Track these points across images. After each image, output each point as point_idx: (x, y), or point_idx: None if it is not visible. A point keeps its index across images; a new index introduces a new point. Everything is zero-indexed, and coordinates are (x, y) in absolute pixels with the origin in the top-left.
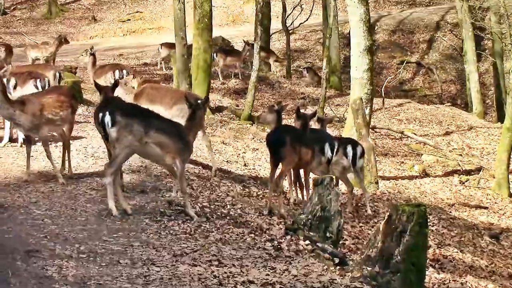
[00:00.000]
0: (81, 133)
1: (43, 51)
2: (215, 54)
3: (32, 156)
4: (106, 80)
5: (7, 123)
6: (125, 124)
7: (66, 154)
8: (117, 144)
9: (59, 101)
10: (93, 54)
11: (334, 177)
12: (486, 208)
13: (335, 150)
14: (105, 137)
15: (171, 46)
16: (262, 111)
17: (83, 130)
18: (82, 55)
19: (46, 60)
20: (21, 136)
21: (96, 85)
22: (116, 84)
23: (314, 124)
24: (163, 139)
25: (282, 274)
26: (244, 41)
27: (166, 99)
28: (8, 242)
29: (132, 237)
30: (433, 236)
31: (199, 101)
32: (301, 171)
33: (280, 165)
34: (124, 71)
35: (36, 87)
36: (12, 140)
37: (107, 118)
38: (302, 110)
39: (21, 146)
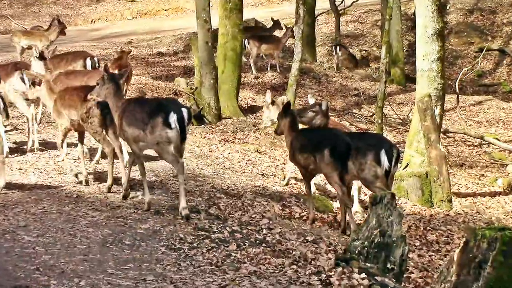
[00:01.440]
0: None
1: (42, 39)
2: (246, 41)
3: (21, 169)
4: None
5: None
6: None
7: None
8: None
9: None
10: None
11: (395, 194)
12: None
13: (395, 158)
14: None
15: None
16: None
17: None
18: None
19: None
20: (6, 145)
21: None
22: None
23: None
24: None
25: None
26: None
27: None
28: None
29: (145, 270)
30: None
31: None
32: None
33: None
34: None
35: (23, 80)
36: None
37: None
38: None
39: (6, 156)
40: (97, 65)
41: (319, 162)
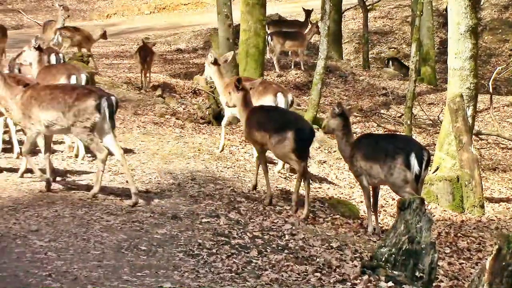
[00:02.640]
0: None
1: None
2: (269, 38)
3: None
4: None
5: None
6: None
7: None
8: None
9: None
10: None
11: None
12: None
13: (425, 162)
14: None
15: None
16: (326, 116)
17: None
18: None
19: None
20: (17, 146)
21: None
22: None
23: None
24: None
25: None
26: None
27: None
28: (1, 282)
29: (162, 276)
30: None
31: None
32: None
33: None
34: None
35: None
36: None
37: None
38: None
39: (17, 157)
40: (61, 61)
41: (275, 144)
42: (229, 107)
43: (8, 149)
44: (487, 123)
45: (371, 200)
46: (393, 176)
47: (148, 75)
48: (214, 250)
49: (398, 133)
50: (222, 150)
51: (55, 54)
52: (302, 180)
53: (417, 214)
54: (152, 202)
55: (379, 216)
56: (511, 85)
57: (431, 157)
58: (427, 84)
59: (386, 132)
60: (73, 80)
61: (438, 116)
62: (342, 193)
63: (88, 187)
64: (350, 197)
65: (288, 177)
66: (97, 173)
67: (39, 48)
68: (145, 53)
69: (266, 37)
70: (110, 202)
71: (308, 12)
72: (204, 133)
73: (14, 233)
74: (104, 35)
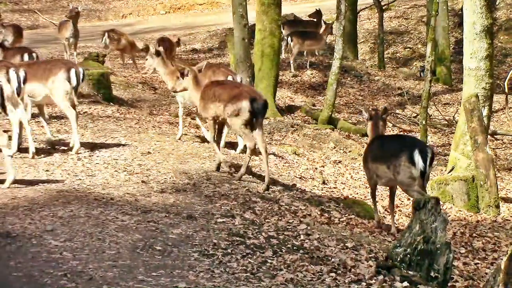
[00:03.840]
0: (110, 141)
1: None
2: (289, 38)
3: (48, 171)
4: None
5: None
6: None
7: None
8: None
9: None
10: None
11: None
12: None
13: (430, 158)
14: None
15: None
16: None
17: (113, 137)
18: None
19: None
20: (32, 145)
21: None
22: None
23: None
24: None
25: None
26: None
27: None
28: (16, 282)
29: (177, 276)
30: None
31: None
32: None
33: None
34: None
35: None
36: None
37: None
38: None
39: (32, 157)
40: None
41: (231, 114)
42: (175, 92)
43: (23, 149)
44: (502, 123)
45: (388, 200)
46: (400, 175)
47: None
48: (229, 250)
49: (412, 133)
50: (180, 138)
51: (28, 53)
52: (265, 153)
53: (432, 214)
54: (167, 202)
55: (394, 215)
56: None
57: (435, 154)
58: (442, 84)
59: (397, 133)
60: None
61: (453, 116)
62: (357, 193)
63: (103, 187)
64: (365, 197)
65: (303, 177)
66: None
67: (1, 46)
68: (165, 44)
69: (285, 37)
70: (125, 202)
71: (319, 13)
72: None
73: (30, 233)
74: (145, 50)
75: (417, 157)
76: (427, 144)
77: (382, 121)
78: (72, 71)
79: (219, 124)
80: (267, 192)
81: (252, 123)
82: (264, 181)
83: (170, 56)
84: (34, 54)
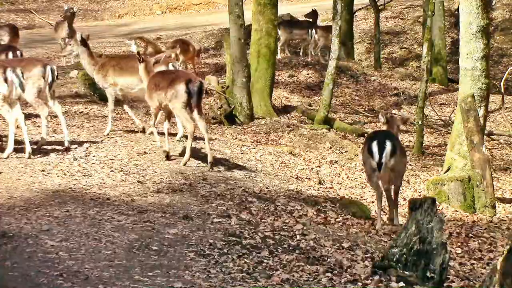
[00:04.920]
0: (107, 140)
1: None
2: (314, 31)
3: (44, 171)
4: None
5: (12, 130)
6: None
7: None
8: None
9: None
10: None
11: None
12: None
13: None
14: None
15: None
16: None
17: (109, 137)
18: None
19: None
20: (28, 149)
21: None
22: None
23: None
24: None
25: None
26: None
27: None
28: (12, 282)
29: (173, 276)
30: None
31: None
32: None
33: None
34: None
35: None
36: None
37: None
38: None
39: (28, 157)
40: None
41: (171, 98)
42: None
43: (19, 149)
44: (498, 123)
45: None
46: (365, 165)
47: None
48: (225, 250)
49: (409, 133)
50: (107, 135)
51: (12, 51)
52: (206, 134)
53: (429, 214)
54: (163, 202)
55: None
56: None
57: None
58: (438, 84)
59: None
60: None
61: (449, 117)
62: (353, 193)
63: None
64: (361, 197)
65: (299, 177)
66: None
67: None
68: (184, 46)
69: (310, 31)
70: (122, 202)
71: (315, 13)
72: (215, 133)
73: (26, 233)
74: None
75: (375, 148)
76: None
77: (397, 126)
78: (48, 68)
79: (168, 113)
80: (263, 192)
81: (191, 104)
82: (208, 162)
83: (186, 58)
84: (18, 52)
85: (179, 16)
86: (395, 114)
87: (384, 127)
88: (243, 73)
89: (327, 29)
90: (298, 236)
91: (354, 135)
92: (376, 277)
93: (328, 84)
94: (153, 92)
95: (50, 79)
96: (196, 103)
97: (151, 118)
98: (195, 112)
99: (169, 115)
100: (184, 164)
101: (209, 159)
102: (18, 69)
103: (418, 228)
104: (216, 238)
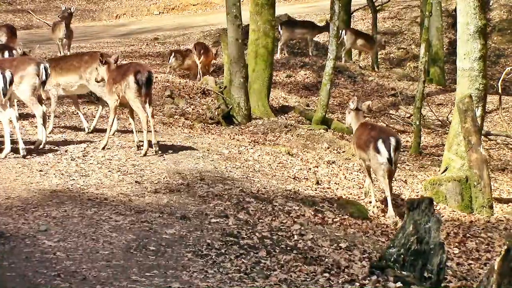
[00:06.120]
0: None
1: None
2: (343, 31)
3: (42, 171)
4: None
5: (7, 130)
6: None
7: None
8: None
9: None
10: None
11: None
12: None
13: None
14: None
15: None
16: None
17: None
18: None
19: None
20: (22, 146)
21: None
22: None
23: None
24: None
25: None
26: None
27: None
28: (10, 282)
29: (170, 277)
30: None
31: None
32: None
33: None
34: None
35: None
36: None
37: None
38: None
39: (23, 157)
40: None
41: (125, 89)
42: (97, 81)
43: (16, 149)
44: (496, 123)
45: None
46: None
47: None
48: (223, 250)
49: (406, 133)
50: (50, 133)
51: (8, 50)
52: (152, 121)
53: (426, 215)
54: (161, 202)
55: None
56: None
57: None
58: (436, 85)
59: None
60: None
61: (447, 117)
62: (351, 194)
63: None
64: (359, 197)
65: (296, 177)
66: None
67: None
68: (199, 47)
69: (340, 31)
70: (119, 202)
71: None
72: (213, 134)
73: (23, 233)
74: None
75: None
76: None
77: (363, 112)
78: (41, 67)
79: (131, 110)
80: (260, 192)
81: (141, 94)
82: (143, 148)
83: (206, 62)
84: (14, 52)
85: (177, 17)
86: (360, 100)
87: (353, 113)
88: (241, 73)
89: (358, 34)
90: (295, 236)
91: (352, 135)
92: (374, 277)
93: (325, 84)
94: (112, 86)
95: (44, 77)
96: (145, 92)
97: (110, 114)
98: (146, 104)
99: (131, 111)
100: (143, 155)
101: (153, 140)
102: (7, 71)
103: (415, 228)
104: (214, 238)
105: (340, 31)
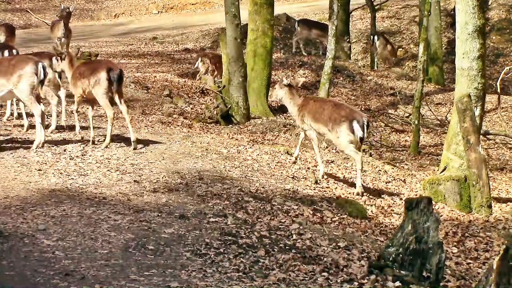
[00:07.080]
0: (103, 140)
1: None
2: (376, 37)
3: (40, 170)
4: None
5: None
6: None
7: None
8: None
9: None
10: None
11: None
12: None
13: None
14: None
15: None
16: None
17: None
18: None
19: None
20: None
21: None
22: None
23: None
24: None
25: None
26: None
27: None
28: (8, 281)
29: (169, 276)
30: None
31: None
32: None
33: None
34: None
35: None
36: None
37: None
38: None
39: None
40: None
41: (94, 85)
42: (55, 71)
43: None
44: (494, 123)
45: None
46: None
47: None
48: (221, 250)
49: (405, 133)
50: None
51: (8, 50)
52: (127, 115)
53: (425, 214)
54: (159, 202)
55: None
56: None
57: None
58: (434, 84)
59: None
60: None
61: (445, 116)
62: (349, 193)
63: (96, 186)
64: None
65: (295, 176)
66: None
67: None
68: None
69: (371, 36)
70: (118, 202)
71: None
72: (211, 133)
73: (22, 232)
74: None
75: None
76: None
77: (296, 89)
78: (40, 65)
79: (92, 101)
80: (259, 191)
81: (112, 91)
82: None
83: (219, 72)
84: (14, 51)
85: (176, 16)
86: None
87: (287, 89)
88: (240, 72)
89: (389, 42)
90: (294, 236)
91: (294, 109)
92: (372, 277)
93: (324, 83)
94: (77, 81)
95: (42, 76)
96: (116, 89)
97: (74, 104)
98: (117, 97)
99: (92, 103)
100: (106, 147)
101: (132, 138)
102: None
103: (414, 227)
104: (213, 237)
105: (372, 36)
